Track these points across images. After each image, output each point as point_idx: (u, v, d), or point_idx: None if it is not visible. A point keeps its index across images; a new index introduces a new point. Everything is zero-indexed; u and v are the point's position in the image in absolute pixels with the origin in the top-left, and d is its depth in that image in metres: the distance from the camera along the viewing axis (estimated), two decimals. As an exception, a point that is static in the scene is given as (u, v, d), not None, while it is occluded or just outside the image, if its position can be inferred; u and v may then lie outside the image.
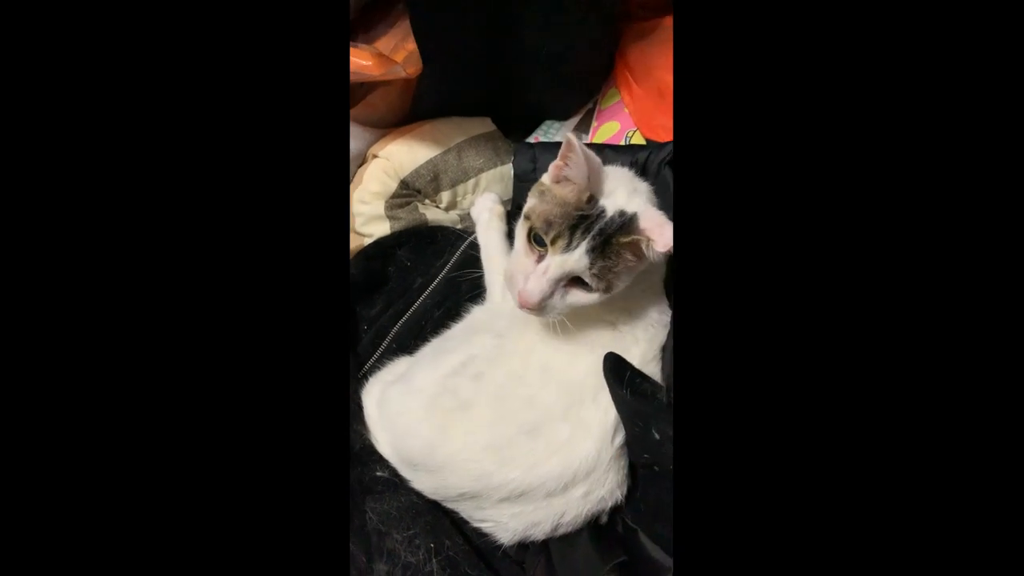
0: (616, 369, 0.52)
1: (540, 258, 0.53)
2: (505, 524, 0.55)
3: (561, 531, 0.55)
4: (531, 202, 0.56)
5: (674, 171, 0.66)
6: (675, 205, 0.50)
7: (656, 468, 0.51)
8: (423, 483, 0.58)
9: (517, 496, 0.53)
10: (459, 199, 0.84)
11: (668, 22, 0.89)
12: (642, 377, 0.52)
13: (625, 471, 0.55)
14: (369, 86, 0.80)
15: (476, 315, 0.67)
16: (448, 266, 0.76)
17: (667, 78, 0.81)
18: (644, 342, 0.58)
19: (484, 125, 0.86)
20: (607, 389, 0.53)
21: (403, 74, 0.73)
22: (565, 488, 0.53)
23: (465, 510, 0.57)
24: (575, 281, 0.53)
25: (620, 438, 0.54)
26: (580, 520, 0.54)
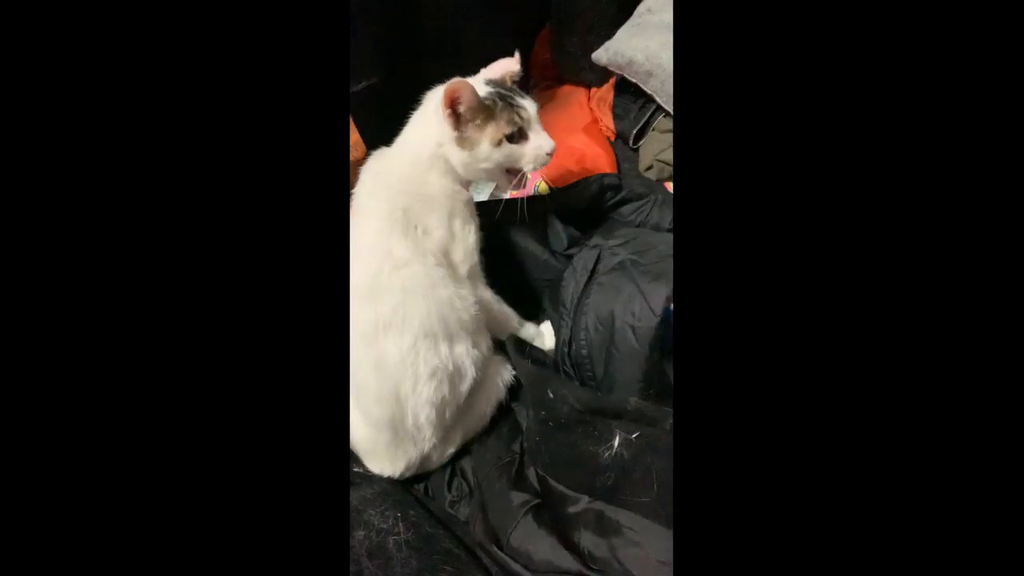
0: (518, 345, 0.75)
1: None
2: None
3: None
4: None
5: (674, 180, 0.87)
6: (675, 212, 0.67)
7: (551, 423, 0.69)
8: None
9: None
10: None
11: (563, 91, 1.11)
12: (535, 348, 0.76)
13: None
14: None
15: None
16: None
17: (560, 136, 1.02)
18: None
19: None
20: None
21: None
22: None
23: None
24: None
25: None
26: None
